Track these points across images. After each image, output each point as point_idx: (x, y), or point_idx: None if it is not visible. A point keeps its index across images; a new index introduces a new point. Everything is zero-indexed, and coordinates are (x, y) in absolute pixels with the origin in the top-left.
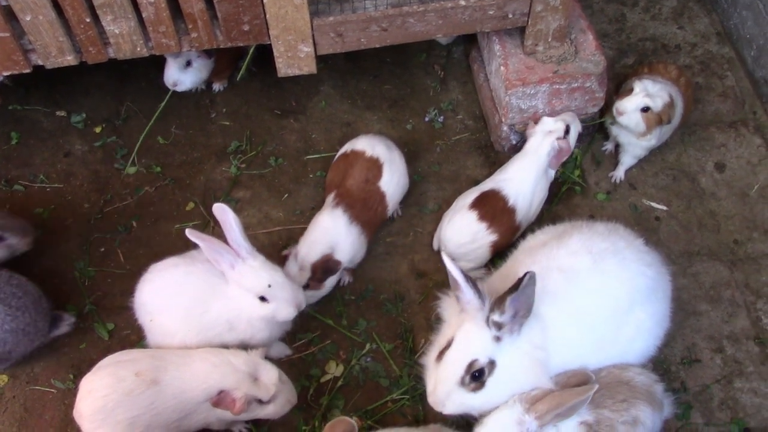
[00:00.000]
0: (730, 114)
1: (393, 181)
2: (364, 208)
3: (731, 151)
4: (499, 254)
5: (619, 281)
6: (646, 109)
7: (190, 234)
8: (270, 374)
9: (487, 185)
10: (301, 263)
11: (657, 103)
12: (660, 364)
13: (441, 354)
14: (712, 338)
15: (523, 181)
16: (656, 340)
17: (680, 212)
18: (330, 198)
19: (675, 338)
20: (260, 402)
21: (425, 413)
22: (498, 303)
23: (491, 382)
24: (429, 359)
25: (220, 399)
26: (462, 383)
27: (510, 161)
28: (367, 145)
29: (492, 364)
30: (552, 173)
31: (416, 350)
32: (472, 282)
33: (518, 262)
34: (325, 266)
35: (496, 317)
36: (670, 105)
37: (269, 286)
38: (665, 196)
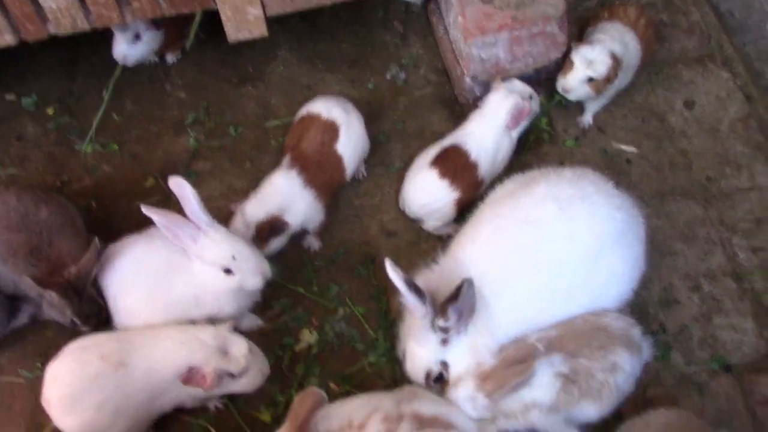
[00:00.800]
0: (697, 50)
1: (350, 145)
2: (319, 171)
3: (699, 87)
4: (467, 209)
5: (587, 227)
6: (590, 79)
7: (147, 210)
8: (240, 347)
9: (447, 141)
10: (247, 221)
11: (599, 70)
12: (637, 307)
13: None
14: (689, 277)
15: (485, 135)
16: (631, 284)
17: (651, 153)
18: (285, 159)
19: (652, 280)
20: (232, 376)
21: (403, 374)
22: (441, 310)
23: (452, 376)
24: (402, 331)
25: (189, 376)
26: (429, 388)
27: (471, 115)
28: (323, 107)
29: (445, 364)
30: (515, 134)
31: (391, 312)
32: (415, 288)
33: (483, 215)
34: (271, 227)
35: (440, 323)
36: (614, 66)
37: (233, 257)
38: (635, 137)
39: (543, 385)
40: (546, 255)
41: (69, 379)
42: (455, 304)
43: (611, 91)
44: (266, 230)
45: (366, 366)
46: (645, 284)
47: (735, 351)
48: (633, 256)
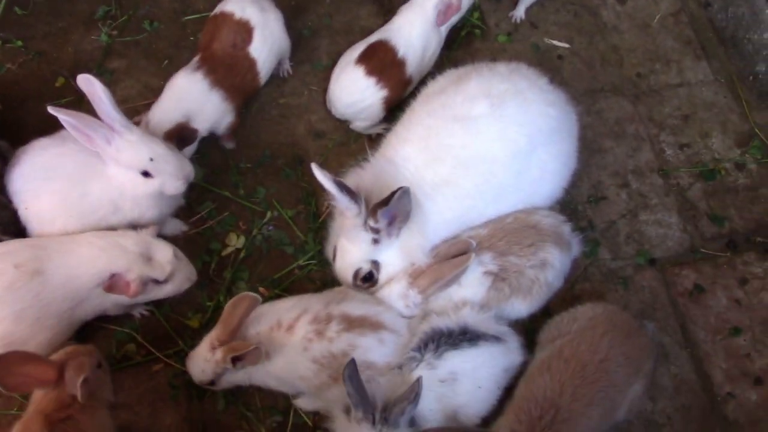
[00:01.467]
0: None
1: (265, 48)
2: (230, 73)
3: None
4: (395, 107)
5: (519, 125)
6: None
7: (55, 111)
8: (164, 252)
9: (374, 37)
10: (152, 130)
11: None
12: (567, 204)
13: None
14: (617, 174)
15: (412, 31)
16: (562, 182)
17: (583, 49)
18: (194, 60)
19: (581, 177)
20: (157, 282)
21: (333, 277)
22: (371, 213)
23: (382, 278)
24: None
25: (112, 283)
26: (356, 288)
27: (398, 11)
28: (237, 6)
29: (376, 264)
30: (443, 30)
31: (320, 214)
32: (346, 189)
33: (415, 113)
34: (180, 135)
35: (372, 224)
36: None
37: (151, 159)
38: (567, 33)
39: (472, 284)
40: (477, 153)
41: None
42: (385, 208)
43: None
44: (175, 139)
45: (296, 269)
46: (574, 182)
47: (660, 245)
48: (565, 153)
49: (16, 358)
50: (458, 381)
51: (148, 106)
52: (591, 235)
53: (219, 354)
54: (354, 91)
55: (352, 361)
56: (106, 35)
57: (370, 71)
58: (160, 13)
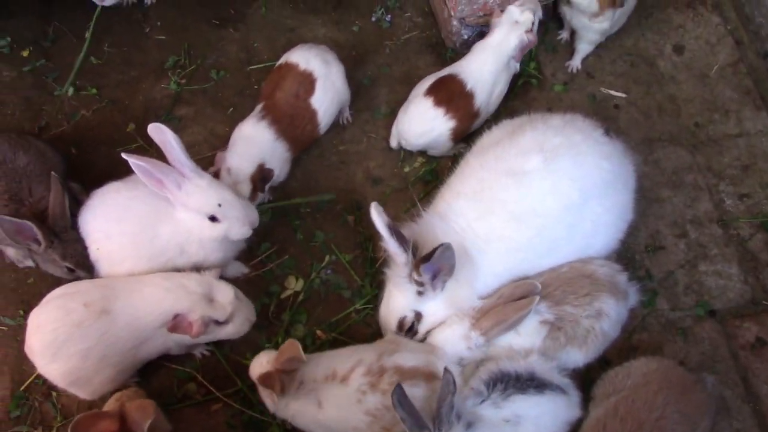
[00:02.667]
0: None
1: (327, 99)
2: (292, 124)
3: (689, 32)
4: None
5: (571, 179)
6: None
7: (127, 156)
8: (225, 293)
9: (444, 71)
10: (235, 177)
11: None
12: (624, 253)
13: None
14: (676, 224)
15: (482, 68)
16: (618, 234)
17: (639, 98)
18: (257, 108)
19: (638, 227)
20: (218, 323)
21: None
22: (415, 266)
23: (422, 329)
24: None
25: (176, 323)
26: (397, 334)
27: (472, 51)
28: (302, 57)
29: (419, 315)
30: (516, 66)
31: (377, 259)
32: (398, 234)
33: (469, 166)
34: (262, 175)
35: (416, 276)
36: None
37: (219, 205)
38: (624, 83)
39: (530, 333)
40: (529, 207)
41: (53, 327)
42: (428, 263)
43: (605, 23)
44: (259, 180)
45: (353, 313)
46: (632, 231)
47: (720, 297)
48: (620, 206)
49: (87, 421)
50: (521, 425)
51: (211, 158)
52: (649, 285)
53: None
54: (423, 121)
55: (399, 387)
56: (175, 84)
57: (439, 102)
58: (226, 63)
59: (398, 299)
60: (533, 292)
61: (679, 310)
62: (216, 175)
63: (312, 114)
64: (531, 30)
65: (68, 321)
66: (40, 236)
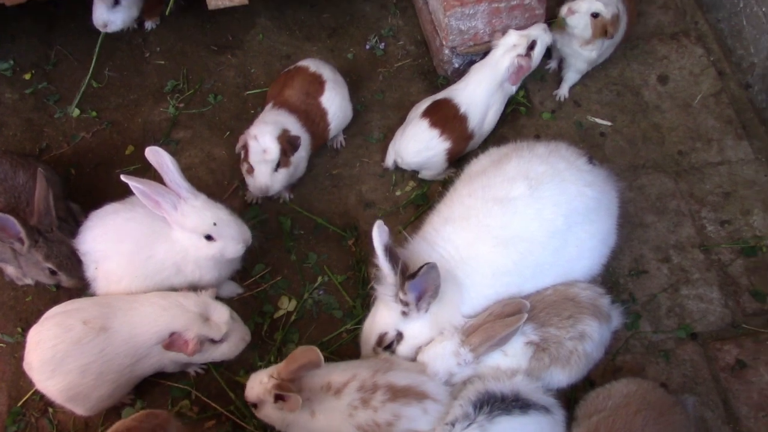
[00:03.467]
0: (672, 25)
1: (336, 101)
2: (308, 119)
3: (674, 62)
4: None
5: (555, 205)
6: (596, 15)
7: (126, 179)
8: (221, 313)
9: (439, 95)
10: (263, 143)
11: (607, 11)
12: (608, 276)
13: None
14: (659, 249)
15: (475, 90)
16: (601, 258)
17: (625, 127)
18: (268, 106)
19: (623, 251)
20: (213, 342)
21: None
22: (400, 284)
23: (400, 349)
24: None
25: (172, 341)
26: (375, 352)
27: (468, 72)
28: (312, 63)
29: (400, 335)
30: (512, 88)
31: (369, 280)
32: (391, 253)
33: (456, 193)
34: (290, 139)
35: (401, 296)
36: (617, 18)
37: (214, 224)
38: (609, 111)
39: (516, 353)
40: (515, 233)
41: (52, 343)
42: (413, 281)
43: (594, 53)
44: (286, 142)
45: (344, 333)
46: (616, 255)
47: (701, 320)
48: (603, 232)
49: None
50: None
51: (210, 173)
52: (632, 308)
53: (270, 384)
54: (420, 141)
55: None
56: (173, 107)
57: (434, 124)
58: (223, 88)
59: (383, 315)
60: (522, 310)
61: (662, 332)
62: (244, 150)
63: (323, 112)
64: (527, 54)
65: (67, 338)
66: (23, 234)
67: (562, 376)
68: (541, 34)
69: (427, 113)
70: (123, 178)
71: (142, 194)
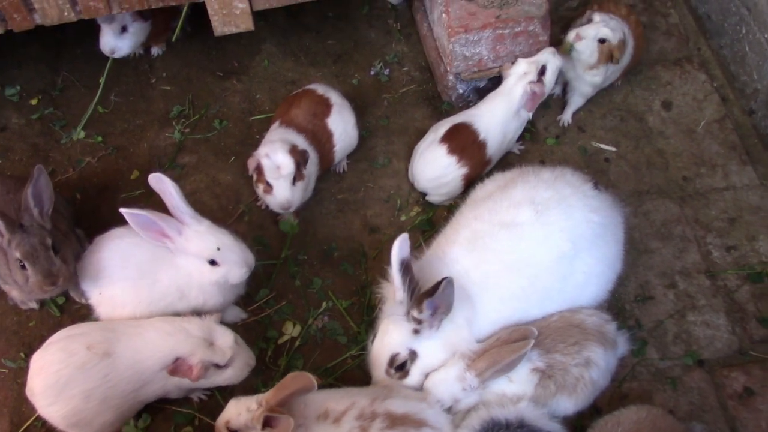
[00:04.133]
0: (675, 51)
1: (341, 125)
2: (314, 139)
3: (677, 88)
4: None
5: (562, 231)
6: (603, 41)
7: (125, 212)
8: (225, 338)
9: (458, 118)
10: (275, 160)
11: (614, 37)
12: (614, 303)
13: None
14: (665, 274)
15: (493, 118)
16: (608, 284)
17: (629, 152)
18: (274, 125)
19: (628, 277)
20: (218, 367)
21: None
22: (417, 302)
23: (414, 369)
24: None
25: (176, 366)
26: (388, 374)
27: (485, 99)
28: (320, 86)
29: (413, 354)
30: (528, 115)
31: (374, 306)
32: (405, 270)
33: (463, 217)
34: (300, 153)
35: (415, 314)
36: (623, 43)
37: (218, 249)
38: (614, 137)
39: (521, 380)
40: (521, 257)
41: (56, 369)
42: (431, 298)
43: (598, 78)
44: (299, 156)
45: (348, 359)
46: (622, 281)
47: (708, 346)
48: (610, 257)
49: None
50: None
51: (215, 198)
52: (638, 334)
53: (258, 411)
54: (436, 167)
55: None
56: (179, 132)
57: (452, 150)
58: (229, 113)
59: (393, 335)
60: (529, 336)
61: (669, 359)
62: (257, 171)
63: (329, 134)
64: (539, 80)
65: (71, 363)
66: (1, 225)
67: (568, 404)
68: (550, 58)
69: (446, 138)
70: (123, 211)
71: (139, 226)
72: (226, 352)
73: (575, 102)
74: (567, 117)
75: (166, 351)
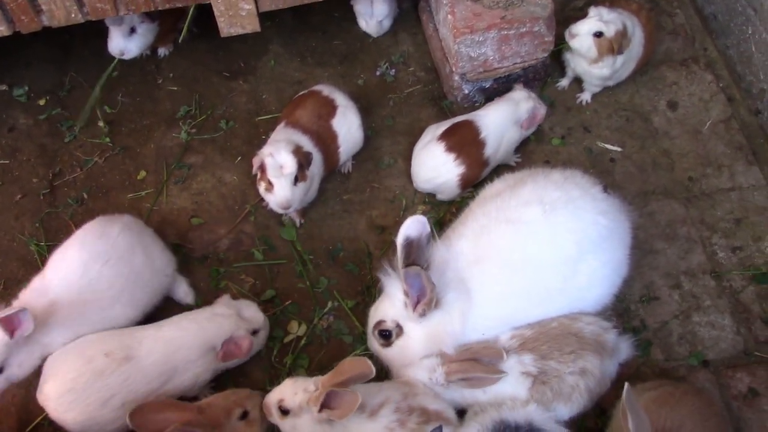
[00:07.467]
0: (681, 52)
1: (345, 126)
2: (319, 140)
3: (683, 89)
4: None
5: (569, 232)
6: (599, 35)
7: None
8: (248, 305)
9: (460, 117)
10: (279, 159)
11: (610, 29)
12: (619, 303)
13: None
14: (670, 275)
15: (496, 118)
16: (612, 288)
17: (634, 152)
18: (280, 125)
19: (633, 277)
20: (255, 333)
21: (387, 367)
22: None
23: (398, 344)
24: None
25: (227, 350)
26: (373, 336)
27: (492, 102)
28: (325, 88)
29: (399, 328)
30: (523, 133)
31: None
32: (409, 250)
33: (472, 213)
34: (304, 154)
35: (405, 287)
36: (623, 33)
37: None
38: (619, 137)
39: (511, 382)
40: (526, 256)
41: (72, 375)
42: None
43: (605, 70)
44: (302, 157)
45: None
46: (627, 281)
47: (713, 347)
48: (615, 261)
49: (151, 408)
50: None
51: (221, 198)
52: (643, 335)
53: (316, 393)
54: (432, 167)
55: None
56: (185, 133)
57: (450, 148)
58: (235, 114)
59: (386, 305)
60: (498, 360)
61: (673, 360)
62: (261, 170)
63: (334, 135)
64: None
65: (89, 369)
66: None
67: (564, 411)
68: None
69: (444, 135)
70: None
71: None
72: (258, 316)
73: (592, 87)
74: (586, 97)
75: (210, 336)
